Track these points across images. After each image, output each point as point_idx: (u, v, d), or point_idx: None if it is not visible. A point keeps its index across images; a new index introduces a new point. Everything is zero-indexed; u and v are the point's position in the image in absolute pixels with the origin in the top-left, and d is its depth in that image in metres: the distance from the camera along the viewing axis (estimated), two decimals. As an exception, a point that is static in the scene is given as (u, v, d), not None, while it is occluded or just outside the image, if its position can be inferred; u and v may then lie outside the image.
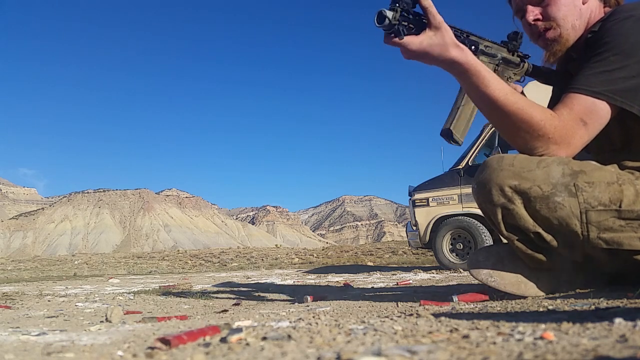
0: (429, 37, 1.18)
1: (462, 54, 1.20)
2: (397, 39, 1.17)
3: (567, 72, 1.37)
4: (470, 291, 1.44)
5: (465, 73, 1.21)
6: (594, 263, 1.23)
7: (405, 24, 1.18)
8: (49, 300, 2.26)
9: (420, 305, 1.30)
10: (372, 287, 2.70)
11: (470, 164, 5.20)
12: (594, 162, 1.23)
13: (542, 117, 1.17)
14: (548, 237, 1.19)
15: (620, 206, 1.13)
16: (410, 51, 1.19)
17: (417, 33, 1.19)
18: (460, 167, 5.22)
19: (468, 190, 4.97)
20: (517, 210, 1.19)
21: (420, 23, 1.20)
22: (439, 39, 1.18)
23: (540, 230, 1.19)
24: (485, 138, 5.23)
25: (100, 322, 1.30)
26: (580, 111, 1.17)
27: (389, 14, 1.15)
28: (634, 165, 1.24)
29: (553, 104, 1.28)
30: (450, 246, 5.16)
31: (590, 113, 1.17)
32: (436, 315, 0.93)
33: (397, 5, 1.16)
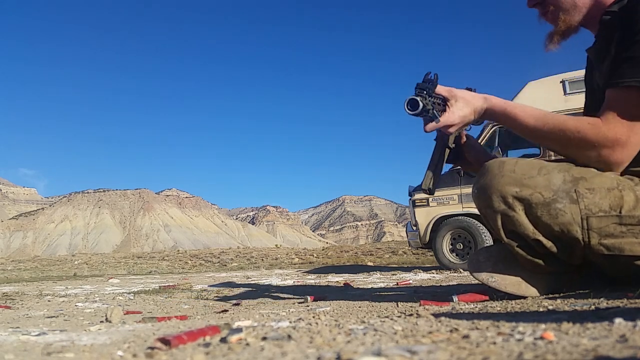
0: (459, 109, 1.28)
1: (485, 102, 1.29)
2: (436, 124, 1.28)
3: (605, 48, 1.28)
4: (471, 291, 1.44)
5: (495, 115, 1.29)
6: (594, 265, 1.22)
7: (433, 105, 1.27)
8: (49, 300, 2.26)
9: (420, 305, 1.30)
10: (372, 287, 2.70)
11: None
12: (593, 169, 1.23)
13: (579, 129, 1.16)
14: (548, 243, 1.19)
15: (620, 212, 1.12)
16: (451, 127, 1.30)
17: (443, 109, 1.30)
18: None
19: (468, 190, 4.97)
20: (517, 217, 1.18)
21: (441, 100, 1.31)
22: (464, 104, 1.28)
23: (540, 237, 1.18)
24: (486, 137, 5.23)
25: (100, 322, 1.30)
26: (630, 108, 1.13)
27: (420, 100, 1.24)
28: (634, 170, 1.23)
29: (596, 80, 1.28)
30: (450, 246, 5.16)
31: None
32: (436, 315, 0.93)
33: (425, 92, 1.26)
